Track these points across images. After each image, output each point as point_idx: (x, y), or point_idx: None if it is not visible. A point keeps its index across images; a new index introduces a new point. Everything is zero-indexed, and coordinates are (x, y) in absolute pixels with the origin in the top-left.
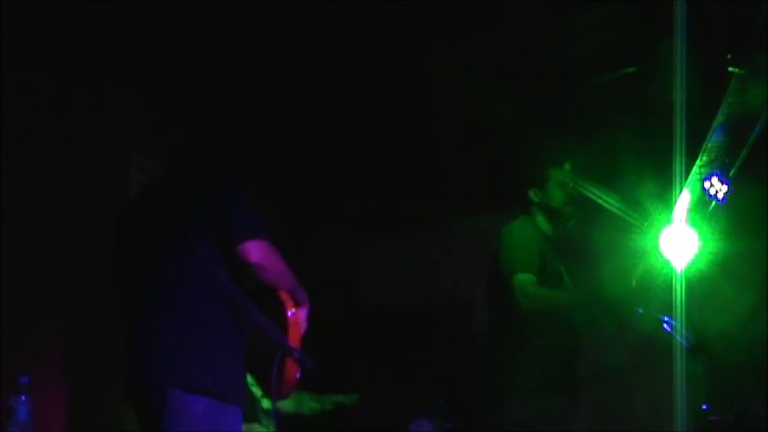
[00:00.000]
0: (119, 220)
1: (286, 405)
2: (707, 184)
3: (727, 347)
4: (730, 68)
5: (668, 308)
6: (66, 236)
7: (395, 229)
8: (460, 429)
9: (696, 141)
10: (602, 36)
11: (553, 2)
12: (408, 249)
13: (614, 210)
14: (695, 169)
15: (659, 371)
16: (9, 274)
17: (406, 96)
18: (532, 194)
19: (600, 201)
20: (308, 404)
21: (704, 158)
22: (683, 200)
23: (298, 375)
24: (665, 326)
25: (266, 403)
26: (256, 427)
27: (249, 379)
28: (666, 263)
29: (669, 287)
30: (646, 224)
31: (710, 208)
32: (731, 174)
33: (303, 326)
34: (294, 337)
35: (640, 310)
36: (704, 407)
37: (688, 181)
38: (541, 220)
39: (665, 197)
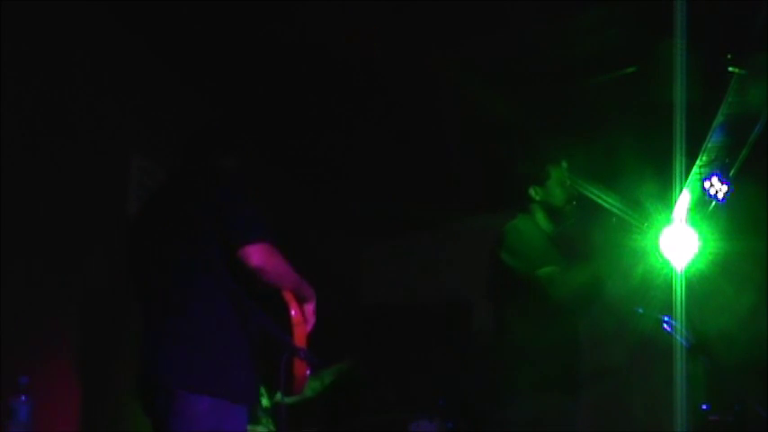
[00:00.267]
0: (131, 223)
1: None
2: (707, 184)
3: (727, 347)
4: (730, 68)
5: (668, 308)
6: (66, 236)
7: (395, 229)
8: (460, 429)
9: (696, 141)
10: (602, 36)
11: (553, 2)
12: (408, 249)
13: (614, 210)
14: (695, 169)
15: (659, 371)
16: (9, 273)
17: (406, 96)
18: (533, 192)
19: (600, 201)
20: (310, 386)
21: (704, 158)
22: (683, 200)
23: (308, 372)
24: (665, 326)
25: (265, 402)
26: (258, 428)
27: None
28: (666, 263)
29: (669, 287)
30: (646, 224)
31: (710, 208)
32: (731, 174)
33: (311, 320)
34: (299, 337)
35: (640, 310)
36: (704, 407)
37: (688, 181)
38: (542, 219)
39: (665, 197)
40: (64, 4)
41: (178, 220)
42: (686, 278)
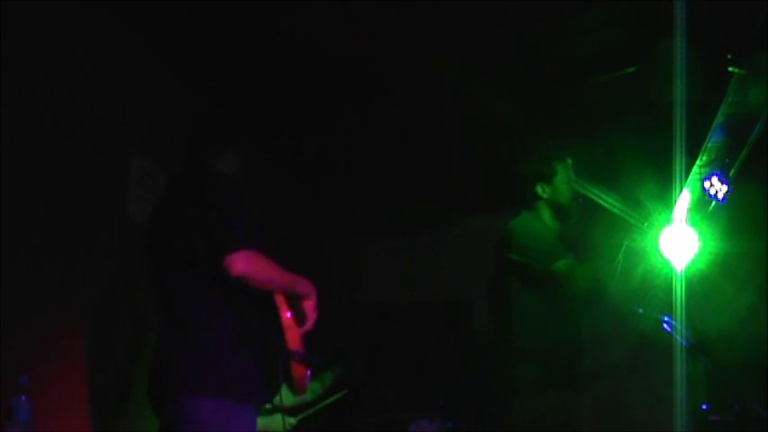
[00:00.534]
0: (144, 229)
1: (287, 399)
2: (707, 184)
3: (727, 347)
4: (730, 68)
5: (668, 308)
6: (66, 236)
7: (395, 229)
8: (460, 429)
9: (696, 141)
10: (602, 36)
11: (553, 2)
12: (408, 249)
13: (614, 210)
14: (695, 169)
15: (659, 371)
16: (9, 273)
17: (406, 96)
18: (540, 190)
19: (600, 201)
20: (310, 387)
21: (704, 158)
22: (683, 200)
23: (308, 372)
24: (665, 326)
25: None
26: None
27: None
28: (666, 263)
29: (669, 287)
30: (646, 224)
31: (710, 208)
32: (731, 174)
33: (312, 316)
34: (293, 339)
35: (640, 310)
36: (704, 407)
37: (688, 181)
38: (547, 216)
39: (665, 197)
40: (64, 3)
41: (174, 226)
42: (686, 278)
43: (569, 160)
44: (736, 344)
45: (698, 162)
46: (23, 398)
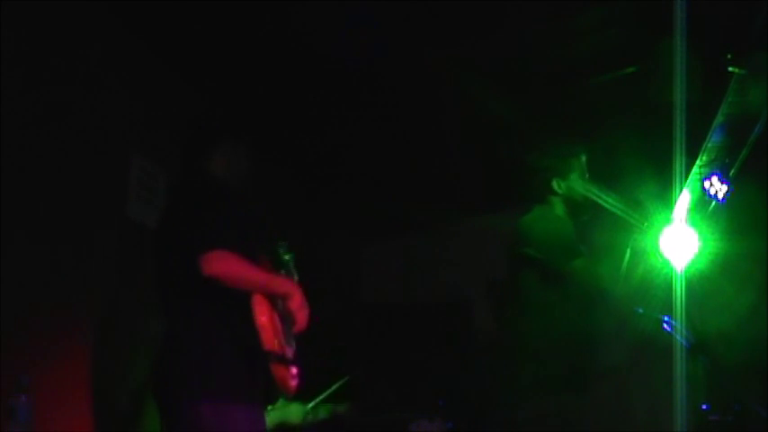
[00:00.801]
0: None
1: (271, 415)
2: (707, 184)
3: (727, 347)
4: (730, 68)
5: (668, 308)
6: (66, 236)
7: (395, 229)
8: (460, 429)
9: (696, 141)
10: (602, 36)
11: (553, 2)
12: (408, 249)
13: (614, 210)
14: (695, 169)
15: (659, 371)
16: (9, 273)
17: (406, 96)
18: (556, 185)
19: (600, 201)
20: (296, 413)
21: (704, 158)
22: (683, 200)
23: (291, 372)
24: (665, 326)
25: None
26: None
27: None
28: (666, 263)
29: (669, 287)
30: (646, 224)
31: (710, 208)
32: (731, 174)
33: (300, 316)
34: (268, 340)
35: (640, 310)
36: (704, 407)
37: (688, 181)
38: (561, 212)
39: (665, 197)
40: (64, 3)
41: (165, 230)
42: (686, 278)
43: (584, 157)
44: (736, 344)
45: (698, 162)
46: (23, 398)
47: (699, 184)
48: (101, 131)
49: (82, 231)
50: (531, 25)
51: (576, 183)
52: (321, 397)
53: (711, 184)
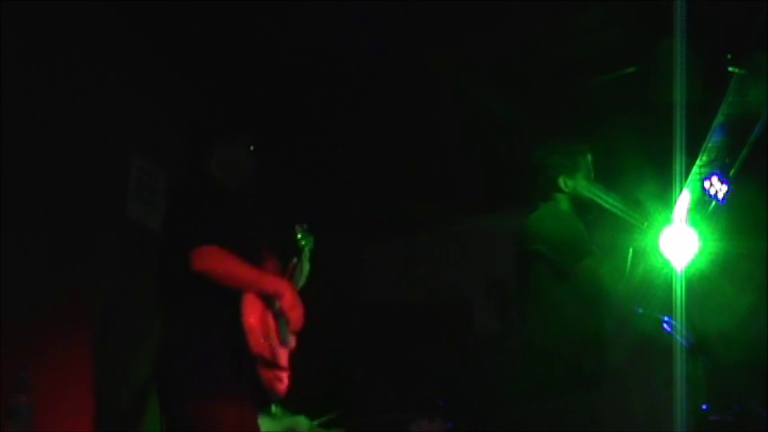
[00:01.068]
0: None
1: (272, 426)
2: (707, 184)
3: (727, 347)
4: (730, 68)
5: (668, 308)
6: (66, 235)
7: (395, 229)
8: (460, 429)
9: (696, 141)
10: (602, 36)
11: (553, 2)
12: (408, 249)
13: (614, 210)
14: (695, 169)
15: (659, 371)
16: (9, 273)
17: (406, 96)
18: (562, 183)
19: (600, 201)
20: (303, 424)
21: (704, 158)
22: (683, 200)
23: (278, 374)
24: (665, 326)
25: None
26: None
27: None
28: (666, 263)
29: (669, 287)
30: (646, 224)
31: (710, 208)
32: (731, 174)
33: (295, 316)
34: (255, 343)
35: (640, 310)
36: (704, 407)
37: (688, 181)
38: (567, 210)
39: (665, 197)
40: (64, 4)
41: (164, 228)
42: (686, 278)
43: (589, 156)
44: (736, 344)
45: (698, 162)
46: (23, 398)
47: (699, 184)
48: (101, 131)
49: (82, 231)
50: (531, 25)
51: (582, 181)
52: (325, 418)
53: (711, 184)
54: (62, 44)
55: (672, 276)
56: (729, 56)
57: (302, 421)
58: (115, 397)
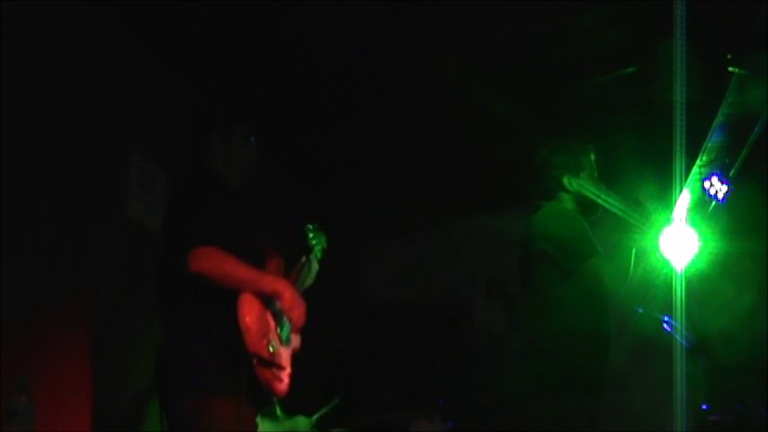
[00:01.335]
0: None
1: (274, 428)
2: (707, 184)
3: (727, 347)
4: (730, 68)
5: (668, 308)
6: (66, 235)
7: (395, 229)
8: (460, 429)
9: (696, 141)
10: (602, 36)
11: (553, 2)
12: (408, 249)
13: (615, 210)
14: (695, 169)
15: (659, 371)
16: (9, 273)
17: (406, 96)
18: (567, 182)
19: (600, 201)
20: (303, 425)
21: (704, 158)
22: (683, 200)
23: (277, 373)
24: (665, 326)
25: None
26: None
27: None
28: (666, 263)
29: (669, 287)
30: (646, 224)
31: (710, 208)
32: (731, 174)
33: (295, 316)
34: (252, 343)
35: (640, 310)
36: (704, 407)
37: (688, 181)
38: (571, 209)
39: (665, 197)
40: (64, 4)
41: (164, 228)
42: (686, 278)
43: (593, 155)
44: (736, 344)
45: (698, 162)
46: (23, 398)
47: (699, 184)
48: (101, 131)
49: (82, 231)
50: (531, 25)
51: (586, 180)
52: (323, 411)
53: (711, 184)
54: (62, 44)
55: (672, 276)
56: (729, 56)
57: (301, 422)
58: (115, 397)
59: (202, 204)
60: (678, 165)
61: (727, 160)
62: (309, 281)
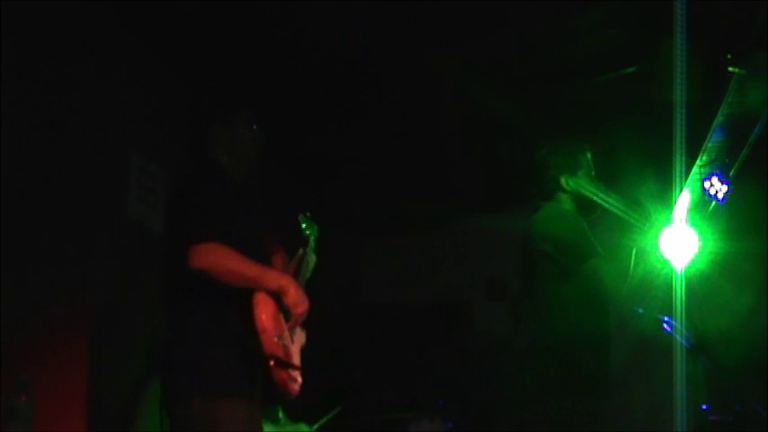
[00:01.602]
0: None
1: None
2: (707, 184)
3: (727, 347)
4: (730, 68)
5: (668, 308)
6: (67, 235)
7: (395, 229)
8: (460, 429)
9: (696, 141)
10: (602, 36)
11: (553, 2)
12: (408, 249)
13: (614, 210)
14: (695, 169)
15: (659, 371)
16: (9, 273)
17: (406, 96)
18: (564, 182)
19: (600, 201)
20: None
21: (704, 158)
22: (683, 200)
23: (293, 374)
24: (665, 326)
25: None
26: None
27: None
28: (666, 263)
29: (669, 287)
30: (646, 224)
31: (710, 208)
32: (731, 174)
33: (296, 312)
34: (268, 343)
35: (640, 310)
36: (704, 407)
37: (688, 181)
38: (570, 209)
39: (665, 197)
40: (64, 4)
41: (166, 224)
42: (686, 278)
43: (589, 154)
44: (736, 344)
45: (698, 162)
46: (23, 398)
47: (699, 184)
48: (101, 131)
49: (82, 231)
50: (531, 25)
51: (583, 180)
52: (324, 420)
53: (711, 184)
54: (62, 44)
55: (672, 276)
56: (729, 56)
57: (303, 429)
58: (115, 397)
59: (205, 198)
60: (678, 165)
61: (727, 160)
62: (308, 274)
